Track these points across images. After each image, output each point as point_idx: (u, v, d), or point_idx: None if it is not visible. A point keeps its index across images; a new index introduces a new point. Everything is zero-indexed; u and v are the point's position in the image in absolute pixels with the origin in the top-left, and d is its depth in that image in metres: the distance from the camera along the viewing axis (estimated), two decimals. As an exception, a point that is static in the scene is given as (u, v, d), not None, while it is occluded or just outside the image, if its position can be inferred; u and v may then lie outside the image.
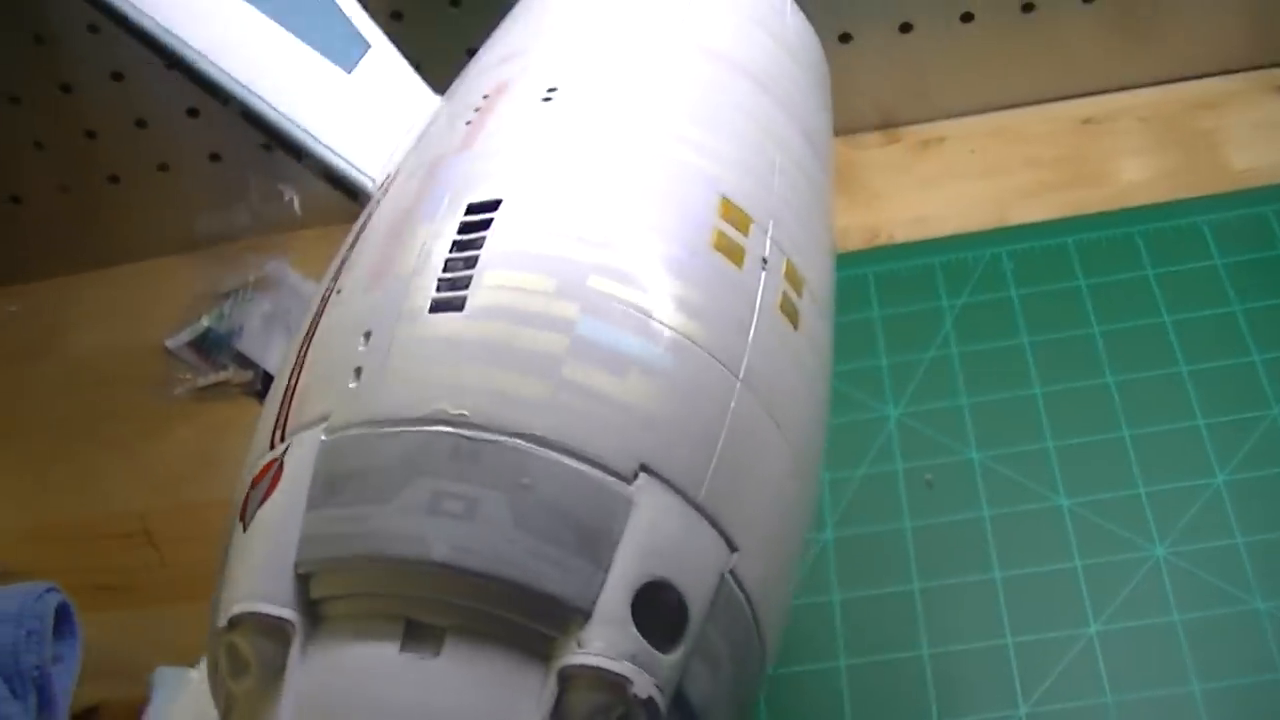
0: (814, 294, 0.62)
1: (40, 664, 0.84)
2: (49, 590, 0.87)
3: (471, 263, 0.55)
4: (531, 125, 0.63)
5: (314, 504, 0.51)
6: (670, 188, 0.59)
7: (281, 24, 0.72)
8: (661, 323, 0.54)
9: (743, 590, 0.52)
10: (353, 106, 0.71)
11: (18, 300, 1.17)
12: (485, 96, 0.66)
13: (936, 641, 0.75)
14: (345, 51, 0.72)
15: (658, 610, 0.49)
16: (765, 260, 0.59)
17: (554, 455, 0.50)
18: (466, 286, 0.54)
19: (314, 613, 0.50)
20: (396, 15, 1.00)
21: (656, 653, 0.48)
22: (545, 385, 0.51)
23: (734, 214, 0.59)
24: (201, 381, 1.03)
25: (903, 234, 0.97)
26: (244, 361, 1.01)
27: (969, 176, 1.01)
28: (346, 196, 0.69)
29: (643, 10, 0.71)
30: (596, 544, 0.49)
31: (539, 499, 0.49)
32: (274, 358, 1.01)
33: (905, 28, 1.01)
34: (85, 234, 1.16)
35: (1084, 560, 0.77)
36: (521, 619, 0.48)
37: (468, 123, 0.64)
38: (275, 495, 0.52)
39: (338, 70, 0.72)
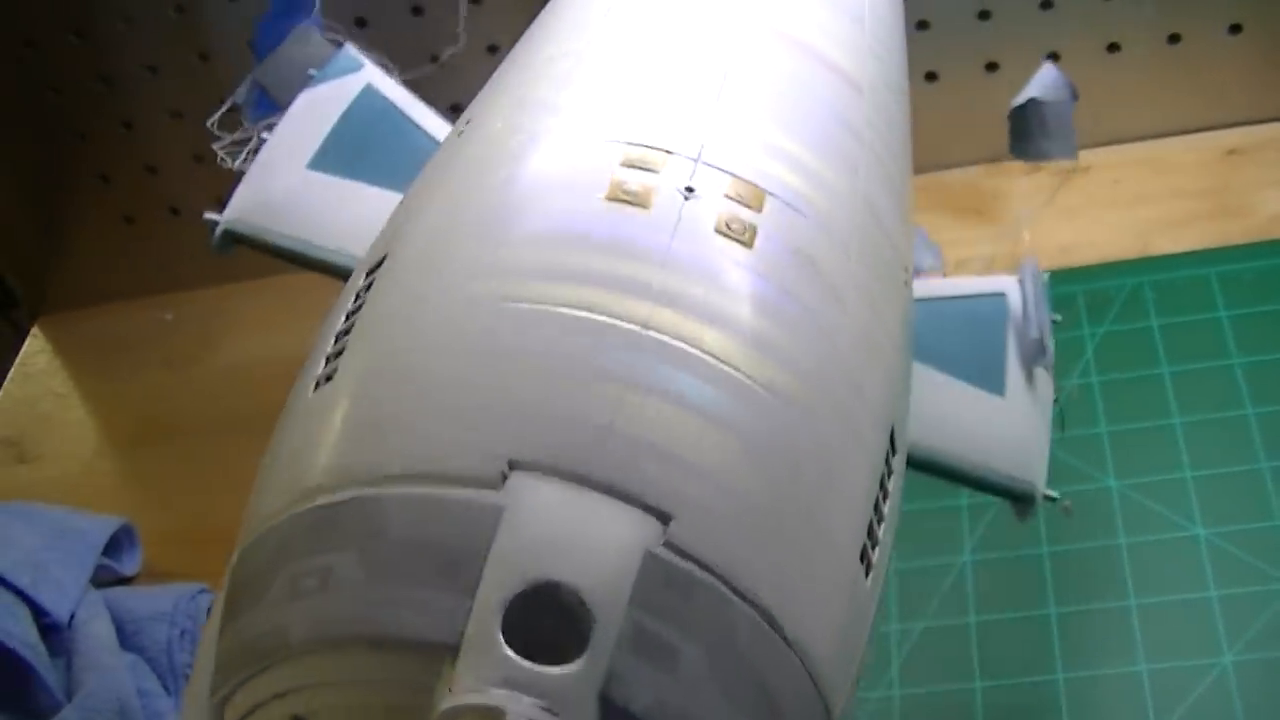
0: (794, 204, 0.56)
1: (192, 662, 0.87)
2: (201, 591, 0.90)
3: (350, 329, 0.53)
4: (433, 168, 0.61)
5: (221, 629, 0.48)
6: (553, 165, 0.56)
7: (398, 190, 0.72)
8: (529, 301, 0.49)
9: (696, 561, 0.45)
10: None
11: (173, 308, 1.20)
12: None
13: (1070, 666, 0.76)
14: None
15: (559, 618, 0.44)
16: (690, 189, 0.54)
17: (405, 490, 0.45)
18: (340, 355, 0.52)
19: None
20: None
21: (544, 668, 0.42)
22: (397, 417, 0.48)
23: (638, 156, 0.55)
24: (351, 392, 1.04)
25: (1045, 262, 0.96)
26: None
27: (1113, 206, 1.01)
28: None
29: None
30: (458, 568, 0.44)
31: (393, 541, 0.45)
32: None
33: (1053, 56, 1.01)
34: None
35: (1219, 590, 0.77)
36: (396, 676, 0.44)
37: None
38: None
39: None
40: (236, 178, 0.76)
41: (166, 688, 0.86)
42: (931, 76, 1.02)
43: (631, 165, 0.55)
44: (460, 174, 0.58)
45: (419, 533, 0.44)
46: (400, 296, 0.53)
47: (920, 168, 0.80)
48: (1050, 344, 0.74)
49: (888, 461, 0.55)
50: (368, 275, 0.55)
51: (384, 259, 0.55)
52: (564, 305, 0.49)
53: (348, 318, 0.54)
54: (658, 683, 0.43)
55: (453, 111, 0.77)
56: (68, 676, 0.85)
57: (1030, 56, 1.00)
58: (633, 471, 0.46)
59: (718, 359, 0.49)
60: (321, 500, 0.46)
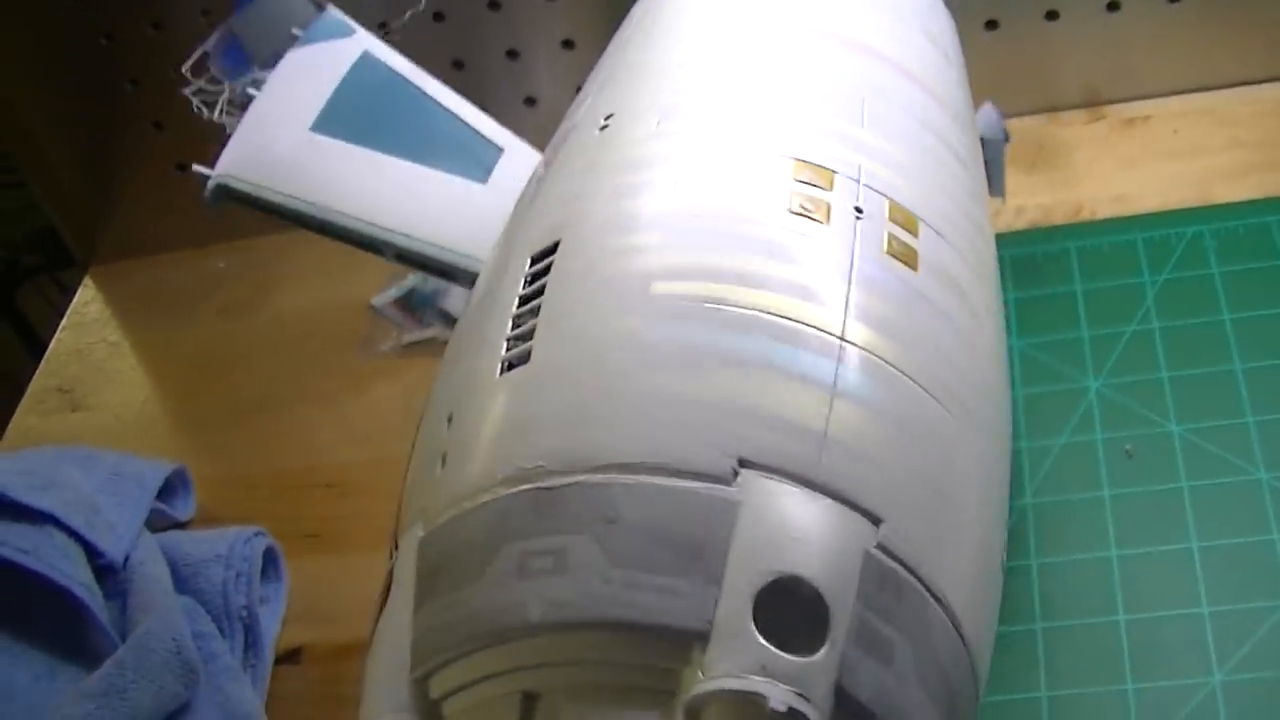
0: (939, 230, 0.59)
1: (247, 604, 0.87)
2: (257, 534, 0.90)
3: (536, 311, 0.54)
4: (586, 157, 0.62)
5: (419, 603, 0.49)
6: (731, 170, 0.57)
7: (414, 160, 0.73)
8: (737, 306, 0.51)
9: (901, 562, 0.49)
10: (492, 215, 0.70)
11: (226, 257, 1.20)
12: (555, 149, 0.66)
13: (1132, 608, 0.75)
14: (479, 162, 0.73)
15: (794, 609, 0.46)
16: (859, 209, 0.57)
17: (639, 479, 0.47)
18: (532, 336, 0.53)
19: (438, 714, 0.48)
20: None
21: (793, 657, 0.45)
22: (619, 407, 0.49)
23: (810, 171, 0.57)
24: (406, 339, 1.04)
25: (1104, 211, 0.96)
26: (449, 320, 1.01)
27: (1172, 156, 1.00)
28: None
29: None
30: (702, 557, 0.46)
31: (630, 528, 0.46)
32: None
33: (1112, 6, 1.00)
34: (294, 194, 1.18)
35: (1282, 534, 0.77)
36: (639, 659, 0.46)
37: (539, 179, 0.64)
38: (388, 605, 0.51)
39: (473, 185, 0.72)
40: (224, 133, 0.75)
41: (222, 630, 0.86)
42: (992, 24, 1.02)
43: (804, 181, 0.57)
44: (624, 168, 0.59)
45: (656, 521, 0.46)
46: (592, 287, 0.54)
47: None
48: None
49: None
50: (535, 260, 0.57)
51: (557, 244, 0.56)
52: (768, 312, 0.51)
53: (522, 301, 0.55)
54: (878, 675, 0.47)
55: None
56: (123, 618, 0.85)
57: (1090, 5, 1.00)
58: (848, 475, 0.49)
59: (905, 374, 0.53)
60: (544, 482, 0.48)
